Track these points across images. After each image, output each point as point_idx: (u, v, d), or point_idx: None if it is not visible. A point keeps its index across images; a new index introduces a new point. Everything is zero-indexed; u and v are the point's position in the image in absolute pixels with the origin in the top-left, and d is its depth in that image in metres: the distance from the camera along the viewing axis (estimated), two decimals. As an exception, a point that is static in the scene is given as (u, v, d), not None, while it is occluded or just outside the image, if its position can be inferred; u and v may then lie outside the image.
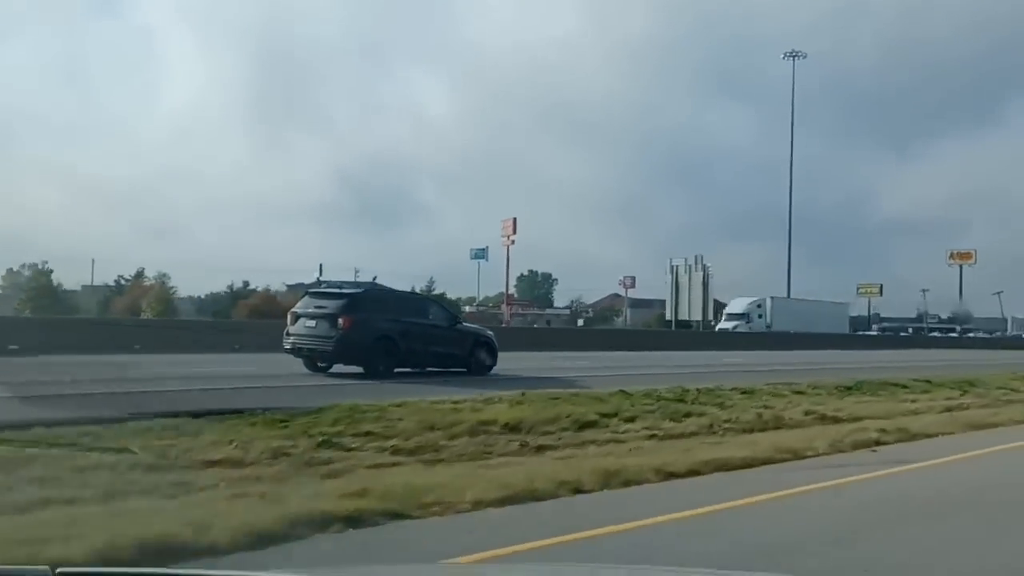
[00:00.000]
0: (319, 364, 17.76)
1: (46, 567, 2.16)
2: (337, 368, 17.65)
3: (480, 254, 77.46)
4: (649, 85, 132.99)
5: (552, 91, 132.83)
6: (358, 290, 18.82)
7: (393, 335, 17.53)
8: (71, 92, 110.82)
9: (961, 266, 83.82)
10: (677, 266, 68.81)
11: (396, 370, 17.39)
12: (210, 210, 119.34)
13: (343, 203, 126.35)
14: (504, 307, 72.91)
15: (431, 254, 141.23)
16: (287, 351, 17.55)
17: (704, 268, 68.61)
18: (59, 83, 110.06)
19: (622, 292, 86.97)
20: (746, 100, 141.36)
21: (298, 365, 17.67)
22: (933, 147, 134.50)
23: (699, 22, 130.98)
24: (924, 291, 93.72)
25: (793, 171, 74.94)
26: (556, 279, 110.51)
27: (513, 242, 66.97)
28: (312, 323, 17.23)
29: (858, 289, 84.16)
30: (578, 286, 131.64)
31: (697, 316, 68.28)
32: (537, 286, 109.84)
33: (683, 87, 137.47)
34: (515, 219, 67.67)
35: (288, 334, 17.48)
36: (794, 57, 70.32)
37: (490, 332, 21.37)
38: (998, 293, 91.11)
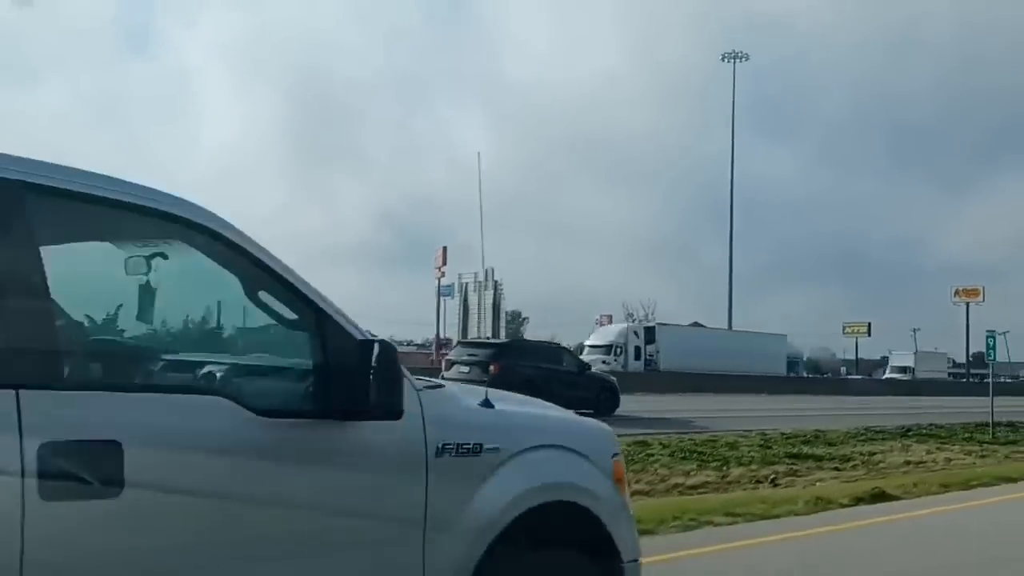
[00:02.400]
0: (468, 406, 19.94)
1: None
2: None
3: (447, 291, 69.49)
4: (686, 120, 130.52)
5: (590, 128, 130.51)
6: (504, 340, 21.02)
7: (535, 380, 19.55)
8: (110, 134, 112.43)
9: (968, 304, 77.64)
10: (467, 283, 57.60)
11: (537, 412, 19.42)
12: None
13: (383, 243, 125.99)
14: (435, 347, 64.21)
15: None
16: None
17: (495, 285, 56.53)
18: (97, 125, 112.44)
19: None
20: (784, 136, 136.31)
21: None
22: (992, 183, 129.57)
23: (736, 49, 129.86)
24: (915, 331, 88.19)
25: (741, 181, 71.93)
26: (527, 317, 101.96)
27: (443, 274, 58.65)
28: (465, 369, 19.55)
29: (844, 328, 78.40)
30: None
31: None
32: (505, 324, 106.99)
33: (721, 122, 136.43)
34: (444, 248, 59.68)
35: (443, 378, 19.57)
36: (734, 59, 65.10)
37: (614, 378, 23.39)
38: (1004, 333, 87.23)
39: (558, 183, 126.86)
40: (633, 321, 74.10)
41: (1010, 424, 20.95)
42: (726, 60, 62.52)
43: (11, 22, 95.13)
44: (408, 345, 75.54)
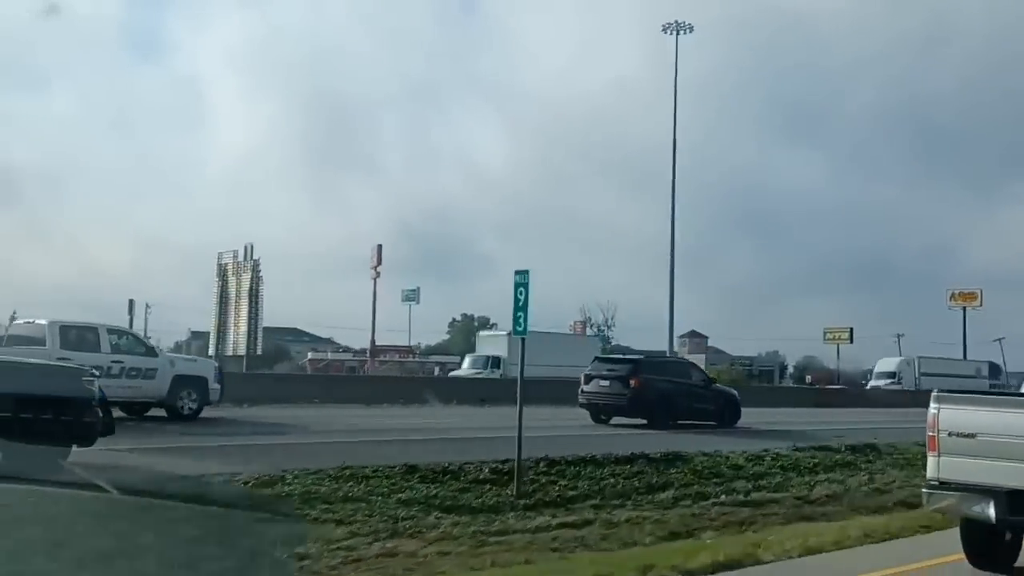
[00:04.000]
0: (602, 416, 21.98)
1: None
2: (616, 420, 21.76)
3: (411, 295, 68.72)
4: (711, 127, 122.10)
5: (609, 137, 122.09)
6: (641, 356, 22.99)
7: (670, 393, 21.60)
8: (122, 142, 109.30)
9: (964, 308, 73.52)
10: (226, 264, 45.87)
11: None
12: (270, 263, 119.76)
13: (400, 253, 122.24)
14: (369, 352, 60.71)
15: (482, 304, 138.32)
16: (582, 405, 22.00)
17: (254, 266, 44.53)
18: (109, 132, 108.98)
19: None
20: (814, 141, 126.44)
21: (583, 417, 21.93)
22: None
23: (762, 53, 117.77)
24: (899, 336, 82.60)
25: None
26: (495, 324, 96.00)
27: (379, 274, 55.98)
28: (605, 383, 21.60)
29: (825, 334, 73.86)
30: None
31: (242, 349, 39.37)
32: (472, 332, 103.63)
33: (747, 128, 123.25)
34: (380, 246, 56.90)
35: (583, 391, 21.95)
36: (676, 32, 54.24)
37: (735, 392, 25.12)
38: (999, 340, 79.03)
39: (574, 189, 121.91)
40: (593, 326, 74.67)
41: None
42: (667, 32, 53.33)
43: (22, 27, 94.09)
44: (342, 351, 72.55)
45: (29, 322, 18.40)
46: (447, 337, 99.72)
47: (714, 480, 12.26)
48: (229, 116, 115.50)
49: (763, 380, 75.69)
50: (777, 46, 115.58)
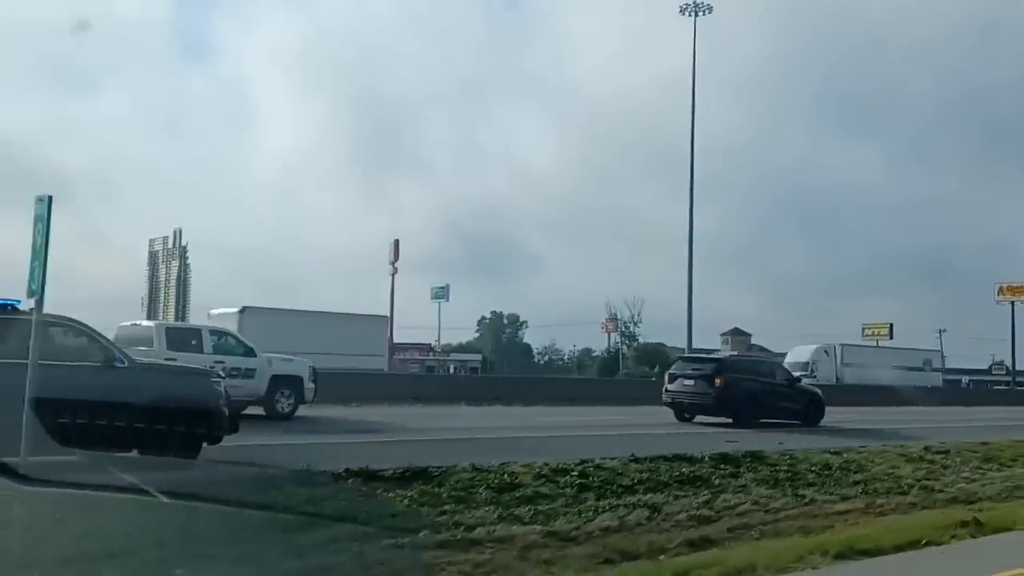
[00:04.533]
0: (685, 415, 22.07)
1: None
2: (699, 419, 21.83)
3: (441, 293, 66.55)
4: (763, 120, 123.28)
5: (653, 132, 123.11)
6: (725, 356, 23.07)
7: (754, 392, 21.63)
8: (173, 142, 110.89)
9: (1013, 303, 70.15)
10: (157, 251, 45.48)
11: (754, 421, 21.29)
12: (318, 264, 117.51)
13: (450, 252, 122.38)
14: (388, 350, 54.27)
15: (531, 303, 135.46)
16: (666, 404, 22.17)
17: (182, 253, 44.21)
18: (161, 133, 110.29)
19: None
20: (869, 133, 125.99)
21: (667, 416, 22.05)
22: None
23: (814, 41, 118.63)
24: (940, 331, 79.85)
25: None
26: (525, 321, 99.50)
27: (396, 270, 53.07)
28: (690, 382, 21.73)
29: (863, 330, 71.27)
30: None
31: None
32: (501, 329, 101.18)
33: (800, 120, 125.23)
34: (396, 241, 54.43)
35: (667, 390, 22.10)
36: (695, 12, 50.72)
37: (819, 391, 24.98)
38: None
39: (618, 185, 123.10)
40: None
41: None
42: (685, 13, 50.47)
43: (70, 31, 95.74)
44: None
45: (136, 324, 19.16)
46: (477, 335, 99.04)
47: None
48: (277, 117, 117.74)
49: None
50: (829, 33, 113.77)
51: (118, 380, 9.91)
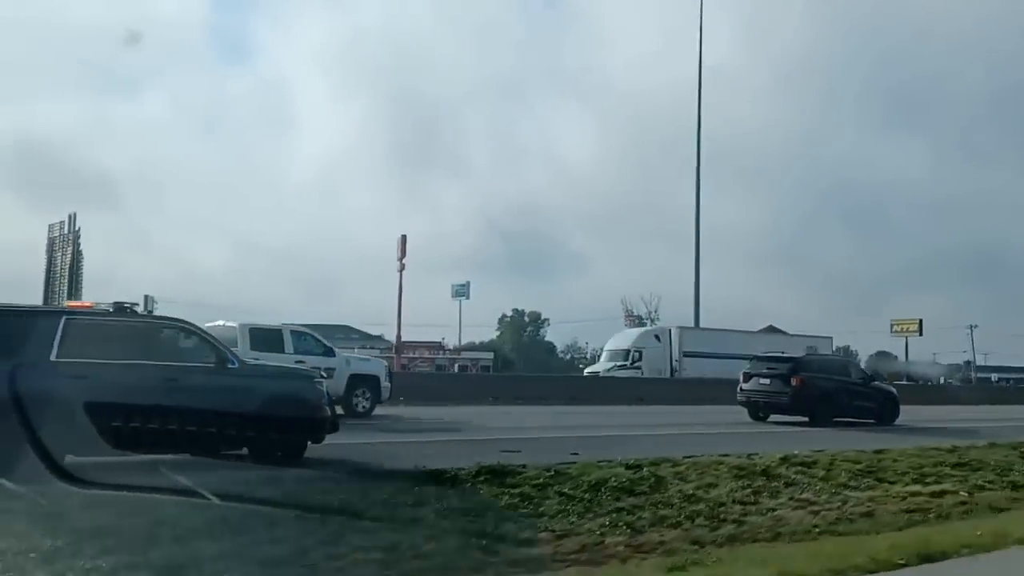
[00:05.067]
0: (760, 414, 21.90)
1: None
2: (773, 418, 21.65)
3: (461, 291, 63.16)
4: (806, 114, 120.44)
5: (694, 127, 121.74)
6: (801, 355, 22.94)
7: (829, 390, 21.46)
8: (214, 143, 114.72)
9: None
10: (54, 238, 43.64)
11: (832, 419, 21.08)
12: (357, 262, 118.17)
13: (487, 249, 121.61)
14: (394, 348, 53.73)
15: (568, 300, 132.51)
16: (741, 403, 22.09)
17: (75, 239, 42.06)
18: (202, 134, 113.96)
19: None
20: (916, 126, 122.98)
21: (723, 415, 21.86)
22: None
23: (861, 34, 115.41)
24: (972, 327, 78.14)
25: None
26: (547, 319, 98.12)
27: (404, 266, 49.12)
28: (766, 381, 21.63)
29: (892, 327, 67.64)
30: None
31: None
32: (522, 328, 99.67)
33: (846, 114, 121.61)
34: (404, 236, 49.88)
35: (742, 389, 22.00)
36: None
37: (894, 389, 24.61)
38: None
39: (667, 185, 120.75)
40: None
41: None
42: None
43: (110, 34, 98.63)
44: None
45: (221, 324, 19.49)
46: (498, 333, 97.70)
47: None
48: (315, 118, 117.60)
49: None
50: (875, 25, 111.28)
51: (230, 382, 10.08)
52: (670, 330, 43.80)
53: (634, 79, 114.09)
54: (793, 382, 21.02)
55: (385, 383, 19.95)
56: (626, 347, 42.49)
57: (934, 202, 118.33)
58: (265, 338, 18.71)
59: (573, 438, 14.79)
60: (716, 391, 27.00)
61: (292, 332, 19.65)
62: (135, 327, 9.96)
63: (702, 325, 48.49)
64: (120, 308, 9.88)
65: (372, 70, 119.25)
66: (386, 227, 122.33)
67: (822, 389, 21.32)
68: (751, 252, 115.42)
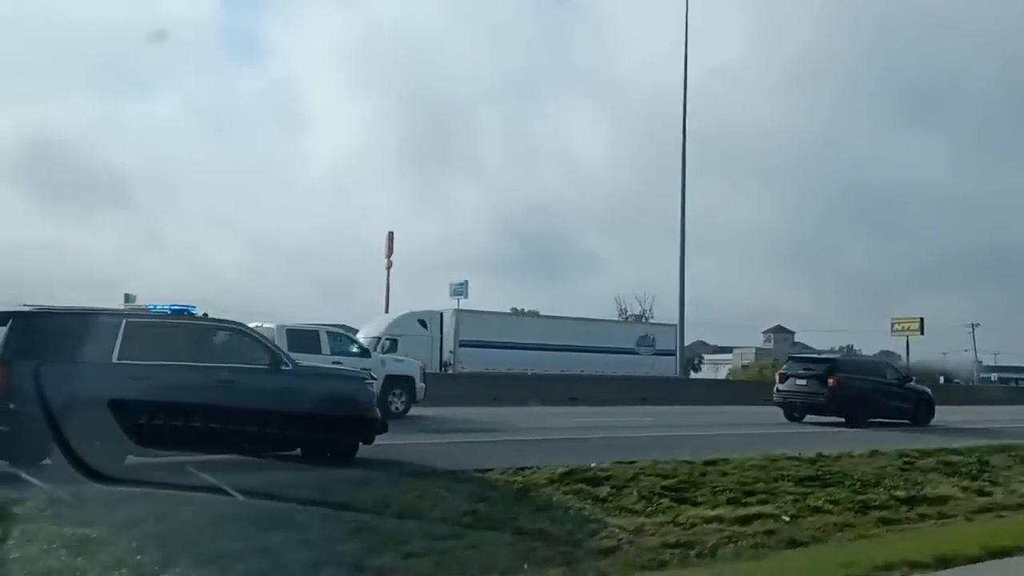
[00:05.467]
0: (795, 415, 21.86)
1: None
2: (809, 418, 21.59)
3: (459, 290, 56.93)
4: (820, 112, 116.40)
5: (712, 125, 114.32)
6: (837, 356, 22.93)
7: (866, 391, 21.46)
8: (226, 143, 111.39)
9: None
10: None
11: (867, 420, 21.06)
12: (370, 262, 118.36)
13: (499, 249, 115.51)
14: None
15: (582, 301, 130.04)
16: (776, 403, 22.08)
17: None
18: (213, 134, 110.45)
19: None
20: (933, 123, 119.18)
21: (775, 416, 21.86)
22: None
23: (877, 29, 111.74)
24: (973, 326, 75.71)
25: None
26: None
27: (391, 263, 47.82)
28: (803, 382, 21.64)
29: (893, 326, 62.39)
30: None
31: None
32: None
33: (861, 112, 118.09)
34: (391, 233, 48.41)
35: (778, 390, 21.99)
36: None
37: (929, 390, 24.56)
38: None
39: (677, 182, 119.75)
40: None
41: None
42: None
43: (120, 33, 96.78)
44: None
45: (259, 326, 19.63)
46: None
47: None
48: (329, 116, 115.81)
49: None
50: (892, 20, 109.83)
51: (284, 383, 10.17)
52: (441, 314, 35.81)
53: (647, 78, 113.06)
54: (830, 383, 21.02)
55: (420, 384, 20.01)
56: (378, 334, 32.69)
57: (950, 200, 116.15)
58: (302, 339, 18.80)
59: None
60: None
61: (328, 333, 19.76)
62: (192, 329, 10.07)
63: (495, 310, 42.76)
64: (177, 311, 9.99)
65: (385, 68, 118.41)
66: (398, 226, 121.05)
67: (858, 390, 21.36)
68: (766, 251, 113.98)
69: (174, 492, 7.52)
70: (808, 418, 21.60)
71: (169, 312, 9.97)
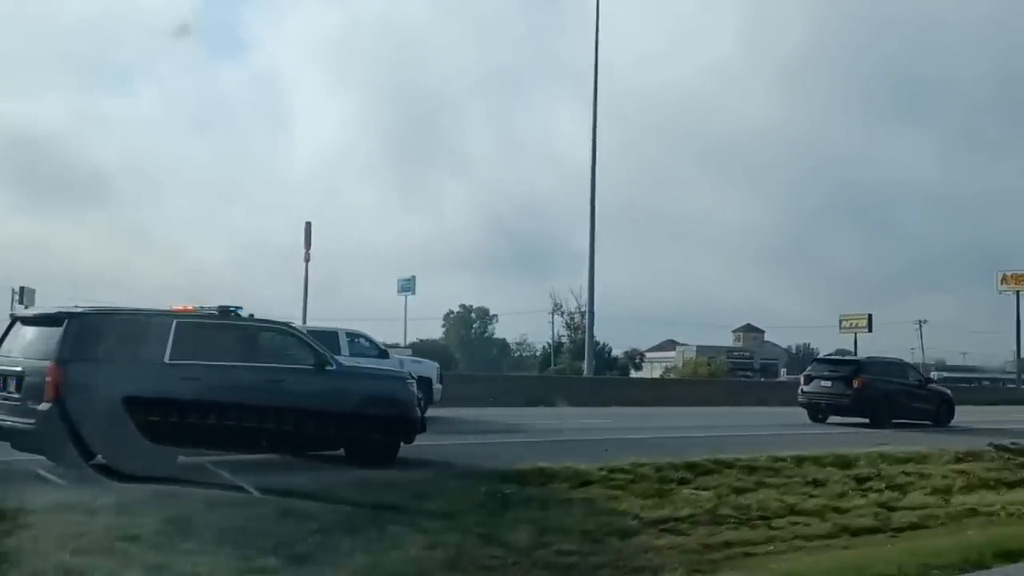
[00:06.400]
0: (819, 416, 21.92)
1: None
2: (832, 419, 21.64)
3: (406, 286, 58.13)
4: (811, 111, 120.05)
5: (704, 125, 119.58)
6: (861, 357, 23.18)
7: (890, 393, 21.64)
8: (208, 139, 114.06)
9: (1018, 293, 60.94)
10: None
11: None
12: (361, 262, 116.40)
13: (487, 247, 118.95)
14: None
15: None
16: (801, 404, 22.21)
17: None
18: (195, 130, 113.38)
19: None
20: (924, 120, 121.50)
21: (800, 416, 21.88)
22: None
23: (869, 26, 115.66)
24: (920, 323, 75.69)
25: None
26: (495, 315, 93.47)
27: (309, 258, 42.86)
28: (827, 383, 21.80)
29: (841, 322, 63.88)
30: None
31: None
32: (469, 324, 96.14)
33: (851, 111, 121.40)
34: (309, 224, 43.69)
35: (803, 391, 22.15)
36: None
37: (949, 391, 24.88)
38: None
39: (668, 182, 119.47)
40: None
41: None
42: None
43: (98, 25, 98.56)
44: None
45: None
46: (443, 330, 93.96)
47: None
48: (314, 112, 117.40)
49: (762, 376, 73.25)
50: (881, 15, 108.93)
51: (329, 383, 10.25)
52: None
53: (639, 77, 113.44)
54: (855, 384, 21.21)
55: (437, 385, 19.96)
56: None
57: (940, 199, 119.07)
58: (321, 340, 18.72)
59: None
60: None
61: (347, 334, 19.73)
62: (239, 329, 10.15)
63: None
64: (225, 311, 10.07)
65: (369, 63, 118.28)
66: (384, 224, 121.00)
67: (883, 391, 21.54)
68: (759, 251, 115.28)
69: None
70: (831, 419, 21.65)
71: (216, 312, 10.03)
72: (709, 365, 64.83)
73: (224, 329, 10.01)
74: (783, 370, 77.51)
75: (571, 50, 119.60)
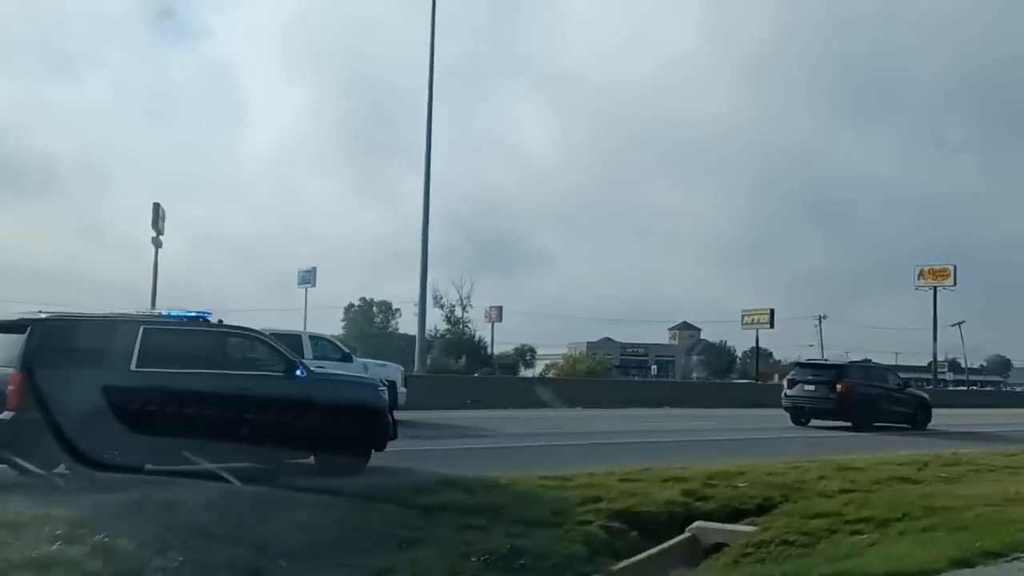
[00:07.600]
0: (802, 420, 21.99)
1: None
2: (814, 423, 21.68)
3: (306, 278, 55.78)
4: (771, 107, 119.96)
5: (666, 121, 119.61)
6: (844, 362, 23.60)
7: (872, 397, 21.83)
8: (159, 128, 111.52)
9: (935, 288, 58.99)
10: None
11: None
12: (325, 256, 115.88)
13: (449, 244, 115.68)
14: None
15: (533, 298, 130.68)
16: (785, 408, 22.36)
17: None
18: (146, 119, 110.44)
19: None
20: (885, 120, 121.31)
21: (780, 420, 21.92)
22: None
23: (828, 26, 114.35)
24: (820, 318, 74.65)
25: None
26: (399, 310, 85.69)
27: (160, 242, 35.49)
28: (811, 387, 21.92)
29: (743, 318, 62.23)
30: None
31: None
32: (371, 318, 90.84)
33: (813, 107, 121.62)
34: (157, 204, 36.68)
35: (786, 395, 22.34)
36: None
37: (927, 395, 25.48)
38: (958, 324, 69.84)
39: (630, 178, 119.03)
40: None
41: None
42: None
43: (47, 13, 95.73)
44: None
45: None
46: (343, 324, 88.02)
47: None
48: (269, 105, 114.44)
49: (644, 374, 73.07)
50: (842, 11, 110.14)
51: (299, 390, 10.16)
52: None
53: (600, 72, 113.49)
54: (838, 388, 21.38)
55: (401, 388, 19.76)
56: None
57: (901, 197, 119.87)
58: (284, 344, 18.57)
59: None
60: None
61: (311, 337, 19.59)
62: (207, 336, 10.04)
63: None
64: (192, 317, 9.98)
65: (325, 55, 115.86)
66: (346, 217, 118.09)
67: (864, 395, 21.74)
68: (721, 247, 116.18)
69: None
70: (813, 422, 21.76)
71: (184, 319, 9.93)
72: (588, 362, 61.65)
73: (192, 335, 9.90)
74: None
75: (529, 42, 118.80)
